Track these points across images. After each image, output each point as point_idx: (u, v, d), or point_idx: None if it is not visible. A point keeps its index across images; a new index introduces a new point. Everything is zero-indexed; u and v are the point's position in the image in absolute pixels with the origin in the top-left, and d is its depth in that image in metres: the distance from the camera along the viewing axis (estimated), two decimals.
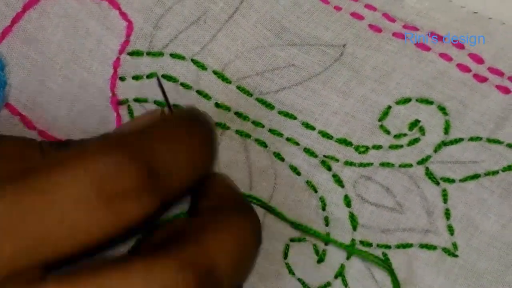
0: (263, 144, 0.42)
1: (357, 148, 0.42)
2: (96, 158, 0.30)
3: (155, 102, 0.43)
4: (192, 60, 0.42)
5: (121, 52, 0.42)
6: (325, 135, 0.42)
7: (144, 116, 0.40)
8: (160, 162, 0.31)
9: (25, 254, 0.29)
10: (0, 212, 0.29)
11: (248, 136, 0.42)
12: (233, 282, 0.32)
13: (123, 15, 0.42)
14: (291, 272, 0.44)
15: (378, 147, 0.42)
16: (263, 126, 0.42)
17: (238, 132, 0.42)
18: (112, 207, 0.30)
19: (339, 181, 0.42)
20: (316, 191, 0.42)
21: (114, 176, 0.30)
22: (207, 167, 0.34)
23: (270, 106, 0.42)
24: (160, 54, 0.42)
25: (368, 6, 0.40)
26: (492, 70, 0.40)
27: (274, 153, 0.42)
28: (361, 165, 0.42)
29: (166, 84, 0.42)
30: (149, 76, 0.42)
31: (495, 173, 0.41)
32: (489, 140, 0.41)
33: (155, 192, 0.30)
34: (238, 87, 0.42)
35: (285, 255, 0.44)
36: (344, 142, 0.42)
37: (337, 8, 0.41)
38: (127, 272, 0.30)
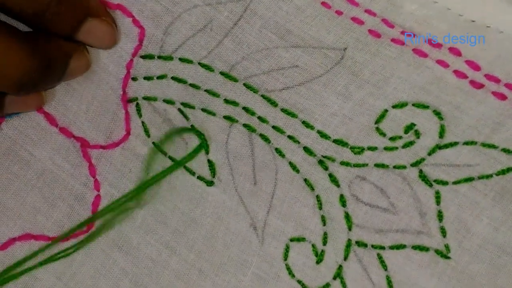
0: (267, 140, 0.44)
1: (352, 149, 0.43)
2: None
3: (164, 100, 0.45)
4: (200, 64, 0.44)
5: (134, 55, 0.45)
6: (323, 135, 0.43)
7: None
8: None
9: None
10: None
11: (254, 130, 0.44)
12: None
13: (136, 22, 0.45)
14: (291, 274, 0.45)
15: (373, 149, 0.43)
16: (267, 122, 0.44)
17: (245, 125, 0.44)
18: None
19: (335, 181, 0.43)
20: (313, 189, 0.44)
21: None
22: None
23: (274, 104, 0.44)
24: (170, 58, 0.45)
25: (368, 11, 0.42)
26: (488, 77, 0.40)
27: (276, 149, 0.44)
28: (356, 165, 0.43)
29: (176, 84, 0.45)
30: (159, 77, 0.45)
31: (489, 176, 0.41)
32: (484, 145, 0.41)
33: None
34: (245, 84, 0.44)
35: (285, 256, 0.45)
36: (341, 142, 0.43)
37: (338, 13, 0.42)
38: None
